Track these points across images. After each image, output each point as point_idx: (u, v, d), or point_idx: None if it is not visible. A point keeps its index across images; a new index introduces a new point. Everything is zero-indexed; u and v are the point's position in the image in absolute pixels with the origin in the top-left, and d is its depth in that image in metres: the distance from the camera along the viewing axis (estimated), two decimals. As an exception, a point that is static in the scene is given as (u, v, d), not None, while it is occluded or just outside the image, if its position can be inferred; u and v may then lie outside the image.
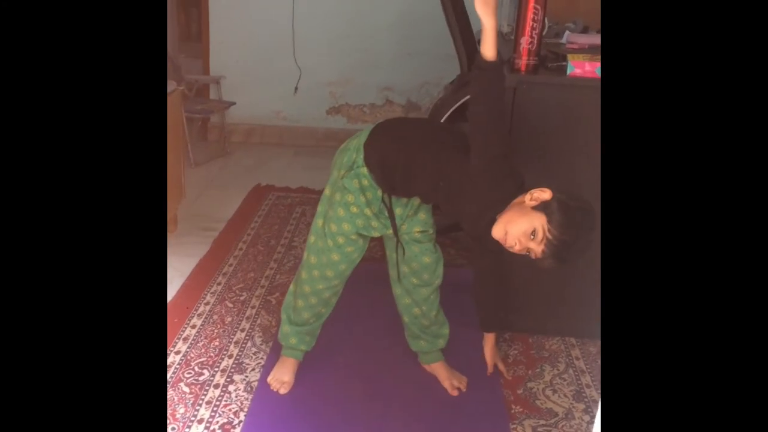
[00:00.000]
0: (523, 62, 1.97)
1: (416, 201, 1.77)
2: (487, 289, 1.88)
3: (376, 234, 1.75)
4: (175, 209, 2.85)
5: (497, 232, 1.50)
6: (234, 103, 4.07)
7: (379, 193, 1.70)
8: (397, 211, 1.75)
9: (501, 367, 2.00)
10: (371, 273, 1.90)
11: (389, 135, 1.71)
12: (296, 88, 4.21)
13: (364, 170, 1.68)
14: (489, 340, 1.98)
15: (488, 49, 1.48)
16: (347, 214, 1.71)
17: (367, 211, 1.71)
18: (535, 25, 1.93)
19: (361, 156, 1.68)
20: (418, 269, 1.84)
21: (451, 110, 2.58)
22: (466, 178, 1.57)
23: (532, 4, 1.91)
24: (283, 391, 1.88)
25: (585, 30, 2.59)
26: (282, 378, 1.90)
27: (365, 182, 1.69)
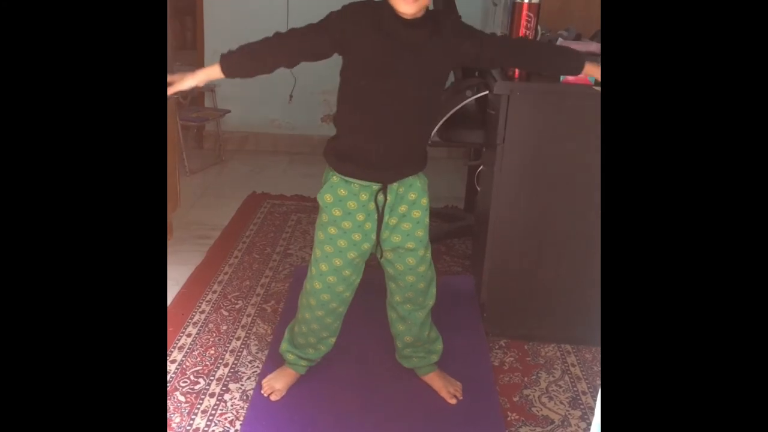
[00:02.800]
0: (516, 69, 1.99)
1: (403, 208, 1.70)
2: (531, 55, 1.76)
3: (365, 246, 1.71)
4: (170, 217, 2.85)
5: None
6: (229, 111, 4.08)
7: (363, 197, 1.66)
8: (391, 221, 1.71)
9: None
10: (367, 281, 1.90)
11: (341, 133, 1.73)
12: (291, 96, 4.22)
13: (335, 178, 1.67)
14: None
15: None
16: (326, 236, 1.71)
17: (345, 225, 1.68)
18: (528, 32, 1.94)
19: (327, 166, 1.69)
20: (413, 297, 1.83)
21: (446, 117, 2.58)
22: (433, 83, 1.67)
23: (525, 11, 1.92)
24: (273, 397, 1.87)
25: (578, 37, 2.60)
26: (274, 385, 1.90)
27: (342, 192, 1.67)
